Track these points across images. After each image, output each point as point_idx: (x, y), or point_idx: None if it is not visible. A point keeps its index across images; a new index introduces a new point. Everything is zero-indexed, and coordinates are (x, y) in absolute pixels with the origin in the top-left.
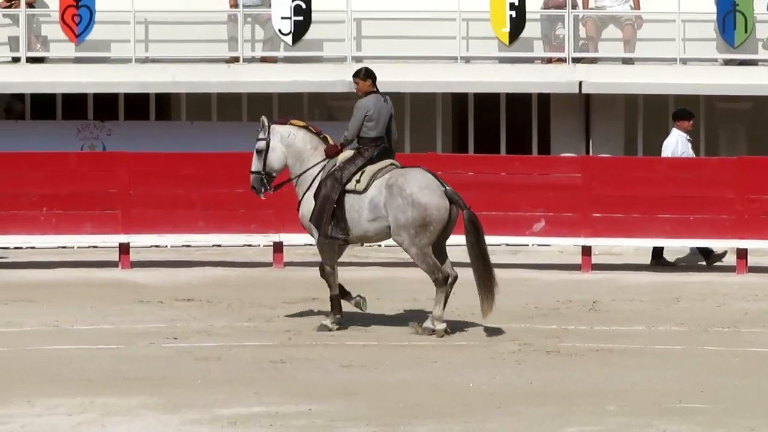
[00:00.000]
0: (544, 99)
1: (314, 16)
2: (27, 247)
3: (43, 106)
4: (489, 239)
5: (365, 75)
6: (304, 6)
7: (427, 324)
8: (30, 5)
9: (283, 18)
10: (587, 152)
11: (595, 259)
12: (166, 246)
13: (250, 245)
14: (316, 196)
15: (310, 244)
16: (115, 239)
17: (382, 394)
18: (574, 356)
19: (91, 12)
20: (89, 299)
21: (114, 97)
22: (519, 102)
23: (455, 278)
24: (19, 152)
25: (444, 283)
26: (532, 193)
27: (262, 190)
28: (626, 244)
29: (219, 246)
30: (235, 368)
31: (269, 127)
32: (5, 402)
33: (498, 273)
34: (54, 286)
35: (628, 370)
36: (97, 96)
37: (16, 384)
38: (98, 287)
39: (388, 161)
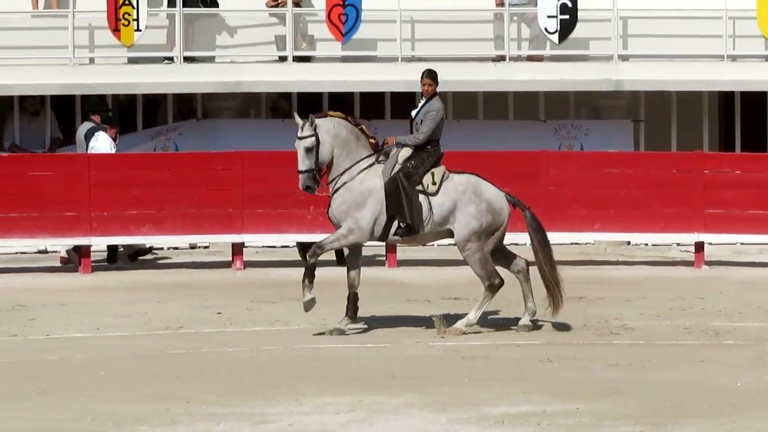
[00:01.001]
0: None
1: (580, 14)
2: (294, 246)
3: (309, 105)
4: (755, 238)
5: (435, 77)
6: (570, 5)
7: (523, 321)
8: (296, 4)
9: (549, 17)
10: None
11: None
12: (433, 245)
13: (516, 244)
14: (387, 188)
15: (577, 244)
16: None
17: (649, 393)
18: None
19: (358, 11)
20: None
21: (380, 95)
22: None
23: (528, 265)
24: (285, 151)
25: (498, 288)
26: None
27: (316, 188)
28: None
29: None
30: (503, 367)
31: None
32: (274, 400)
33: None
34: (321, 284)
35: None
36: (363, 95)
37: (285, 382)
38: (365, 286)
39: (442, 165)
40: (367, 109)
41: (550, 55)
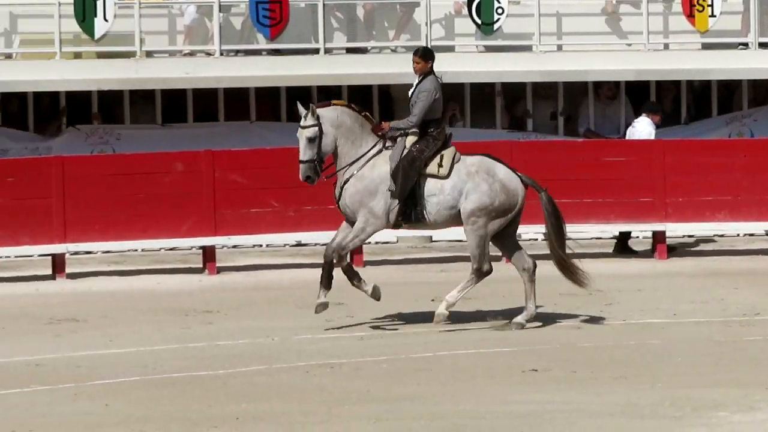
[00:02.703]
0: None
1: None
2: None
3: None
4: None
5: (427, 55)
6: None
7: (518, 319)
8: None
9: None
10: None
11: None
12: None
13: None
14: (394, 175)
15: None
16: None
17: None
18: None
19: None
20: None
21: None
22: None
23: (535, 266)
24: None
25: (485, 275)
26: None
27: (317, 179)
28: None
29: None
30: None
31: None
32: None
33: None
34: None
35: None
36: None
37: None
38: None
39: (453, 147)
40: None
41: None
